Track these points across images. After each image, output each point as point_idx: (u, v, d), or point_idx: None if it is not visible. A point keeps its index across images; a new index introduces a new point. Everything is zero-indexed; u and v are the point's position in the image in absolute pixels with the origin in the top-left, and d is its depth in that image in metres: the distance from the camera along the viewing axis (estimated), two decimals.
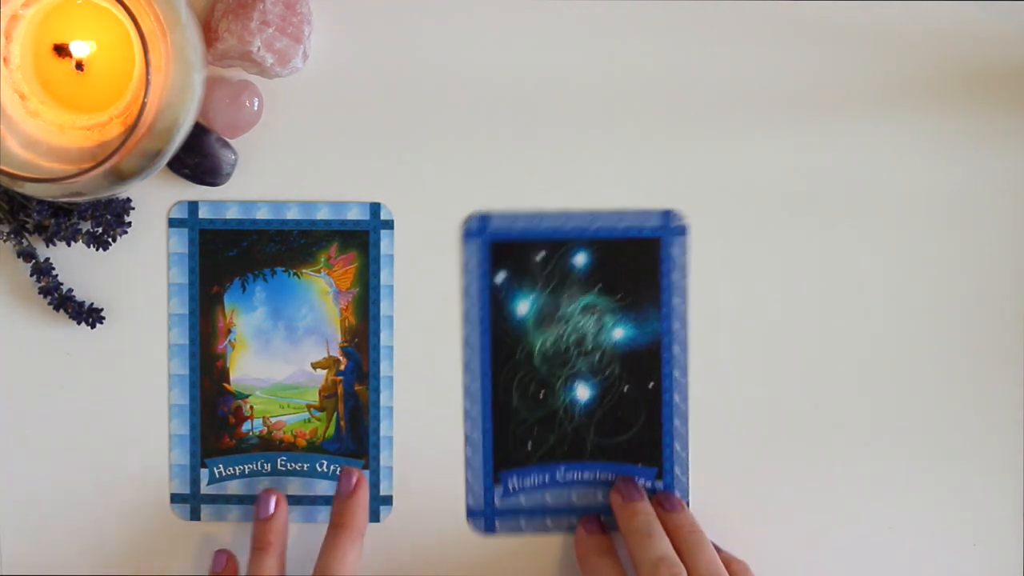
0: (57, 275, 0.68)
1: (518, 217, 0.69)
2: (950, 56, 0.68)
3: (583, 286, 0.69)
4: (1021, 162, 0.69)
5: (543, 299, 0.69)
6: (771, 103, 0.69)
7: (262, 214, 0.69)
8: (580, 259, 0.70)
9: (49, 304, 0.68)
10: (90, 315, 0.68)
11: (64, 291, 0.68)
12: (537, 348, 0.70)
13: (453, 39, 0.68)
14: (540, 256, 0.69)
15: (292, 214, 0.69)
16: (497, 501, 0.70)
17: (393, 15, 0.68)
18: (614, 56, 0.68)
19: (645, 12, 0.68)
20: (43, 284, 0.67)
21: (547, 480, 0.70)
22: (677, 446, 0.70)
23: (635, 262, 0.69)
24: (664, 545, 0.64)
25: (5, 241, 0.68)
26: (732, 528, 0.69)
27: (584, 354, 0.69)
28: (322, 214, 0.69)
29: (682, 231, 0.69)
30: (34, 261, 0.67)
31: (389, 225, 0.70)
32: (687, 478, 0.70)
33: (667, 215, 0.69)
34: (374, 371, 0.70)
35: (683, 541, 0.65)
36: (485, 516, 0.70)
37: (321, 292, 0.70)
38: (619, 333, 0.70)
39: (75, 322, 0.68)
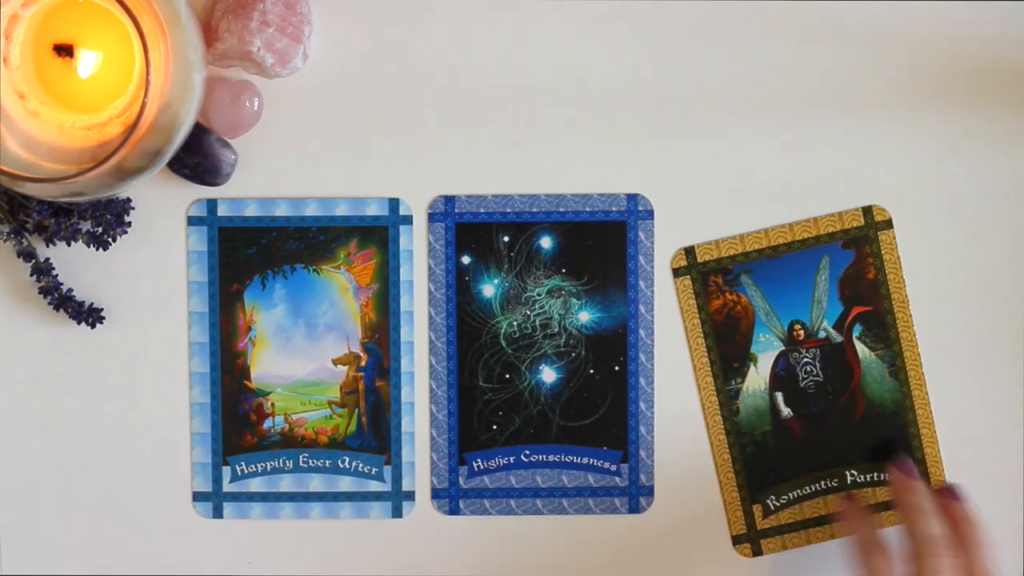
0: (57, 275, 0.66)
1: (484, 200, 0.67)
2: (952, 57, 0.66)
3: (549, 269, 0.67)
4: (1022, 162, 0.66)
5: (509, 282, 0.67)
6: (764, 100, 0.66)
7: (281, 211, 0.66)
8: (546, 242, 0.67)
9: (49, 304, 0.66)
10: (90, 315, 0.66)
11: (64, 291, 0.66)
12: (503, 330, 0.67)
13: (451, 38, 0.66)
14: (506, 239, 0.67)
15: (311, 211, 0.66)
16: (462, 482, 0.67)
17: (393, 15, 0.66)
18: (605, 55, 0.66)
19: (619, 10, 0.66)
20: (43, 284, 0.66)
21: (512, 462, 0.68)
22: (642, 429, 0.68)
23: (601, 245, 0.67)
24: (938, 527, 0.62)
25: (5, 241, 0.66)
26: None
27: (550, 337, 0.67)
28: (341, 210, 0.66)
29: (648, 215, 0.67)
30: (34, 261, 0.66)
31: (408, 221, 0.67)
32: (652, 461, 0.68)
33: (634, 199, 0.67)
34: (395, 367, 0.67)
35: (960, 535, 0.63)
36: (450, 497, 0.68)
37: (341, 288, 0.67)
38: (585, 316, 0.68)
39: (75, 322, 0.66)
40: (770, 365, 0.67)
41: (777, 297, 0.67)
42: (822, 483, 0.67)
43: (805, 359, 0.67)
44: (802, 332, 0.67)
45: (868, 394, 0.67)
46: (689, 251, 0.66)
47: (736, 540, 0.67)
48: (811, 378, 0.67)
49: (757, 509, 0.67)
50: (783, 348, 0.67)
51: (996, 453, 0.67)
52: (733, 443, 0.67)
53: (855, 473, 0.67)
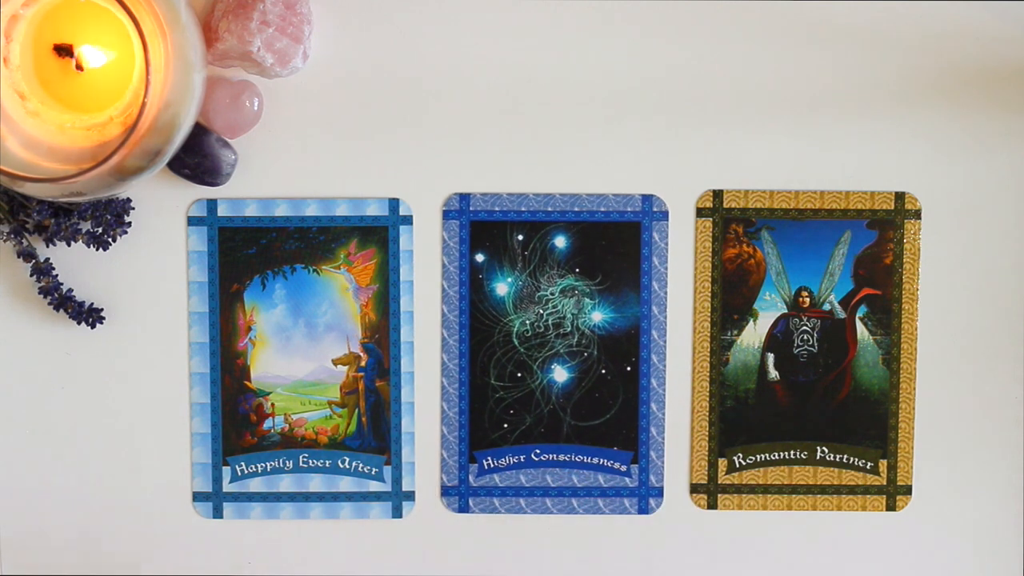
0: (57, 275, 0.64)
1: (499, 198, 0.65)
2: (951, 57, 0.65)
3: (562, 268, 0.66)
4: (1022, 162, 0.66)
5: (522, 280, 0.66)
6: (766, 100, 0.65)
7: (281, 211, 0.65)
8: (560, 241, 0.66)
9: (49, 304, 0.64)
10: (90, 315, 0.64)
11: (64, 291, 0.64)
12: (516, 329, 0.66)
13: (451, 38, 0.65)
14: (520, 237, 0.66)
15: (311, 211, 0.65)
16: (472, 480, 0.66)
17: (393, 15, 0.65)
18: (606, 53, 0.65)
19: (631, 9, 0.65)
20: (43, 284, 0.64)
21: (522, 461, 0.67)
22: (653, 430, 0.67)
23: (615, 246, 0.66)
24: None
25: (5, 241, 0.64)
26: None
27: (562, 336, 0.66)
28: (341, 210, 0.65)
29: (663, 216, 0.66)
30: (34, 261, 0.64)
31: (408, 221, 0.65)
32: (663, 462, 0.67)
33: (648, 200, 0.66)
34: (395, 367, 0.66)
35: None
36: (459, 495, 0.66)
37: (341, 288, 0.65)
38: (598, 316, 0.66)
39: (75, 322, 0.64)
40: (769, 325, 0.66)
41: (792, 260, 0.65)
42: (791, 452, 0.66)
43: (804, 327, 0.65)
44: (808, 300, 0.66)
45: (857, 376, 0.66)
46: (717, 194, 0.65)
47: (694, 488, 0.66)
48: (806, 347, 0.66)
49: (722, 463, 0.66)
50: (785, 311, 0.66)
51: (996, 453, 0.66)
52: (715, 392, 0.66)
53: (825, 450, 0.66)
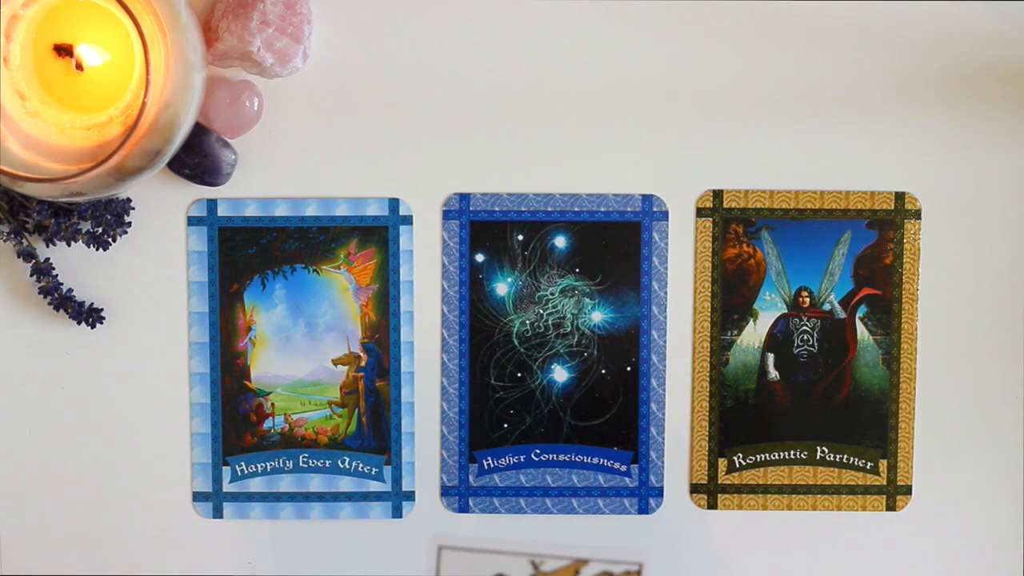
0: (57, 275, 0.64)
1: (499, 198, 0.66)
2: (951, 57, 0.65)
3: (562, 268, 0.66)
4: (1021, 162, 0.65)
5: (522, 280, 0.66)
6: (766, 100, 0.65)
7: (281, 211, 0.65)
8: (560, 241, 0.66)
9: (49, 304, 0.64)
10: (90, 315, 0.64)
11: (64, 291, 0.64)
12: (516, 329, 0.66)
13: (451, 38, 0.65)
14: (520, 237, 0.66)
15: (311, 211, 0.65)
16: (472, 480, 0.66)
17: (393, 15, 0.65)
18: (605, 53, 0.65)
19: (632, 9, 0.65)
20: (43, 284, 0.64)
21: (522, 461, 0.67)
22: (653, 430, 0.67)
23: (615, 246, 0.66)
24: None
25: (5, 241, 0.64)
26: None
27: (562, 336, 0.66)
28: (341, 210, 0.65)
29: (663, 216, 0.66)
30: (34, 261, 0.64)
31: (408, 221, 0.65)
32: (662, 463, 0.67)
33: (648, 200, 0.66)
34: (395, 367, 0.65)
35: None
36: (459, 495, 0.66)
37: (341, 288, 0.65)
38: (598, 316, 0.66)
39: (75, 322, 0.64)
40: (769, 325, 0.66)
41: (792, 260, 0.65)
42: (791, 452, 0.66)
43: (804, 327, 0.65)
44: (808, 300, 0.65)
45: (857, 376, 0.66)
46: (717, 194, 0.65)
47: (694, 489, 0.66)
48: (806, 347, 0.66)
49: (722, 463, 0.66)
50: (785, 311, 0.66)
51: (996, 453, 0.66)
52: (715, 392, 0.66)
53: (825, 450, 0.66)
